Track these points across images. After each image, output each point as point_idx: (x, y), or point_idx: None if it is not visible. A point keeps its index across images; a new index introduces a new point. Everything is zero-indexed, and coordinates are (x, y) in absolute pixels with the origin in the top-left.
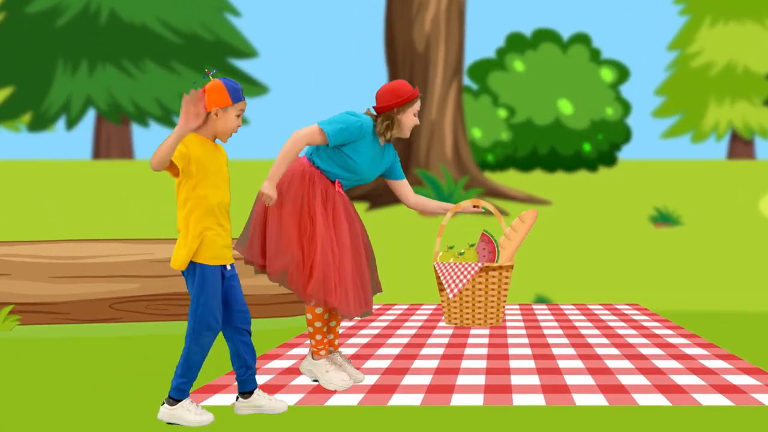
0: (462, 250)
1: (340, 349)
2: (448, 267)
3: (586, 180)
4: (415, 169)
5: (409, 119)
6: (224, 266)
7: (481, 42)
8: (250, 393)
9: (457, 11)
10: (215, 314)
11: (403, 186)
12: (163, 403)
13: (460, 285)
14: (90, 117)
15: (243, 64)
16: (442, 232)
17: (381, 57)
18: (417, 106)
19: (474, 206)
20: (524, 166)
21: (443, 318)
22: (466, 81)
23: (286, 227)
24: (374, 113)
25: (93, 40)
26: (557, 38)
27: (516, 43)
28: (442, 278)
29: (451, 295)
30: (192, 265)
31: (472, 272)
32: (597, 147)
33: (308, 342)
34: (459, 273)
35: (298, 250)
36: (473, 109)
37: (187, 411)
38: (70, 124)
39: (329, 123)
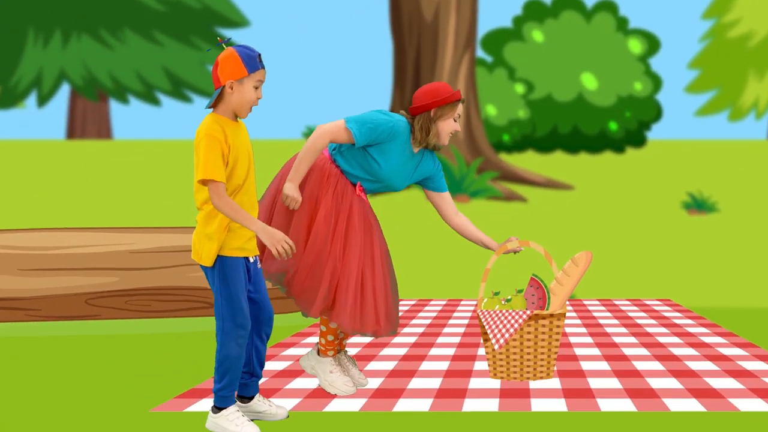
0: (509, 297)
1: (346, 349)
2: (493, 315)
3: (612, 162)
4: None
5: (448, 124)
6: (247, 258)
7: (495, 10)
8: (250, 398)
9: None
10: (243, 310)
11: (444, 200)
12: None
13: (506, 335)
14: (64, 93)
15: (233, 35)
16: (487, 277)
17: (385, 27)
18: (459, 110)
19: (516, 248)
20: (544, 147)
21: (489, 371)
22: (480, 53)
23: (294, 227)
24: (409, 115)
25: (67, 7)
26: (580, 5)
27: (535, 11)
28: (486, 328)
29: (496, 346)
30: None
31: (520, 321)
32: (624, 126)
33: (319, 340)
34: (505, 322)
35: (301, 254)
36: (487, 84)
37: (228, 421)
38: (42, 100)
39: (357, 122)
